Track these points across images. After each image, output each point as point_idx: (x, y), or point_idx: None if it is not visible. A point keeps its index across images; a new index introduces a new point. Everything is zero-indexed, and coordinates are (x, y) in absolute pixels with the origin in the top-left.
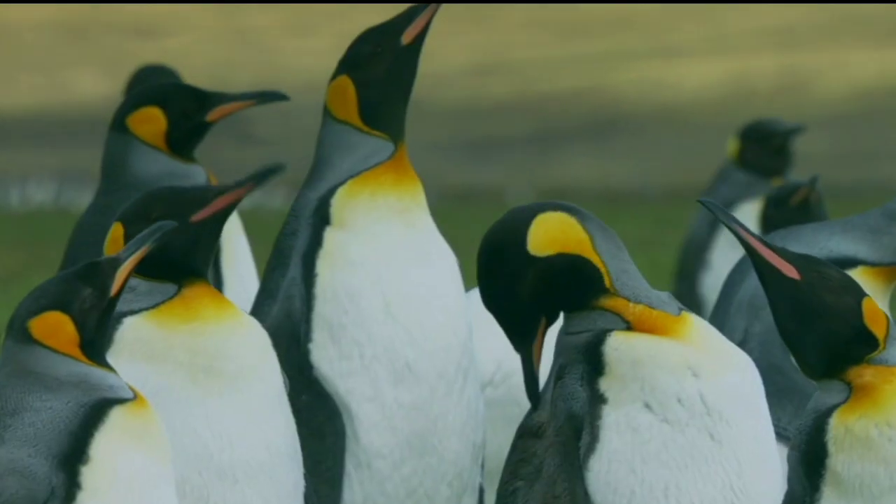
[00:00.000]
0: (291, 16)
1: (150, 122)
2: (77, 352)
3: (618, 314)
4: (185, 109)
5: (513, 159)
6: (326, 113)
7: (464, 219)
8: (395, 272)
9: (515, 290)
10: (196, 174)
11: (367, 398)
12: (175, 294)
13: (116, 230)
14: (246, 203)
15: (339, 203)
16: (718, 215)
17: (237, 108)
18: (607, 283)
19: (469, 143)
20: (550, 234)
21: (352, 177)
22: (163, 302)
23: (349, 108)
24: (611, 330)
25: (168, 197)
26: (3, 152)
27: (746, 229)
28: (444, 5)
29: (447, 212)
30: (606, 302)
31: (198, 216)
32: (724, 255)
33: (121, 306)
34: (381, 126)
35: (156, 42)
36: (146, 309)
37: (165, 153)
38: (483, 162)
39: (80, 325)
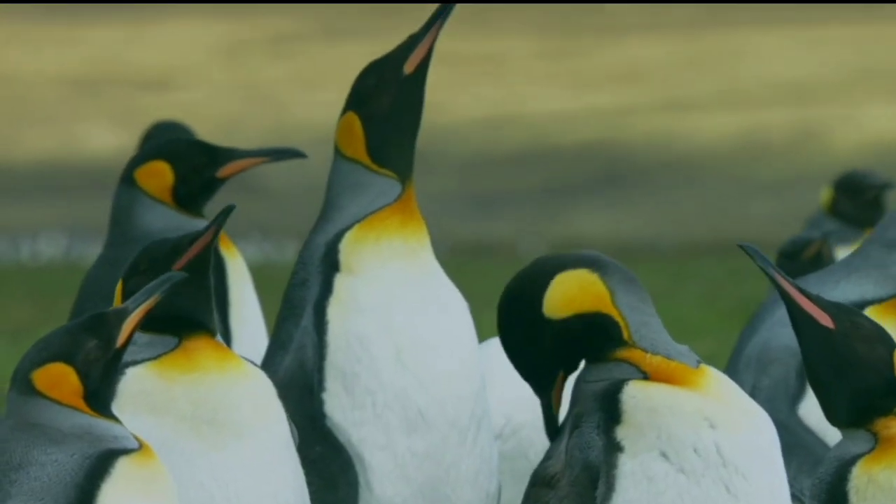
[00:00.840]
0: (302, 69)
1: (158, 176)
2: (81, 403)
3: (635, 365)
4: (195, 165)
5: (525, 212)
6: (336, 151)
7: (476, 272)
8: (405, 318)
9: (532, 348)
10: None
11: (379, 447)
12: (176, 346)
13: (120, 285)
14: (257, 257)
15: (347, 249)
16: (755, 259)
17: (250, 164)
18: (626, 335)
19: (481, 195)
20: (568, 295)
21: (358, 221)
22: (164, 353)
23: (356, 144)
24: (628, 379)
25: (152, 249)
26: (14, 206)
27: (783, 275)
28: (457, 54)
29: (459, 265)
30: (624, 353)
31: (177, 265)
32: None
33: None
34: (389, 163)
35: (166, 95)
36: (148, 360)
37: (171, 207)
38: (495, 215)
39: (83, 377)
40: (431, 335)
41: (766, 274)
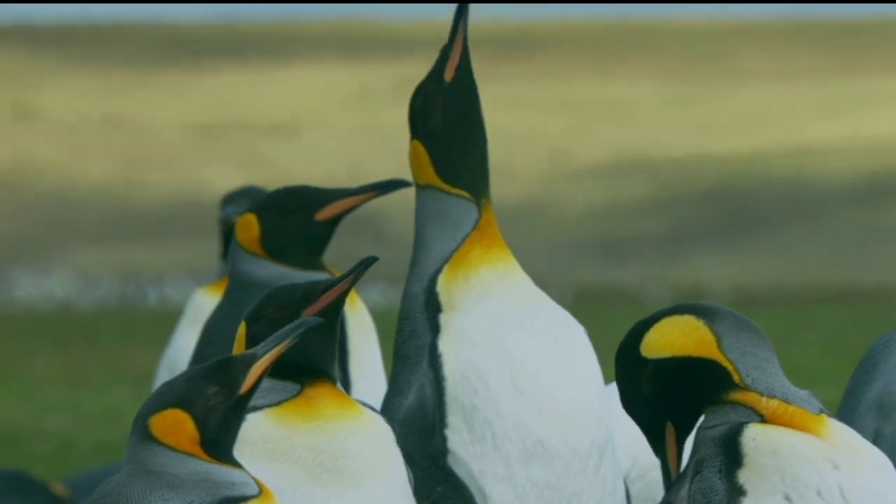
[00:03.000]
0: None
1: (247, 229)
2: (198, 450)
3: (751, 408)
4: (281, 211)
5: (649, 258)
6: (415, 185)
7: (600, 318)
8: (517, 346)
9: (634, 390)
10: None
11: (499, 479)
12: (298, 393)
13: (242, 330)
14: (381, 303)
15: (443, 290)
16: None
17: (354, 203)
18: (736, 379)
19: (605, 241)
20: (666, 337)
21: (446, 261)
22: (286, 400)
23: (426, 169)
24: (747, 422)
25: (280, 294)
26: (141, 250)
27: None
28: (582, 99)
29: (583, 311)
30: (738, 396)
31: (308, 311)
32: None
33: None
34: (460, 181)
35: (291, 140)
36: (269, 406)
37: (265, 258)
38: (619, 261)
39: (200, 423)
40: (545, 361)
41: None
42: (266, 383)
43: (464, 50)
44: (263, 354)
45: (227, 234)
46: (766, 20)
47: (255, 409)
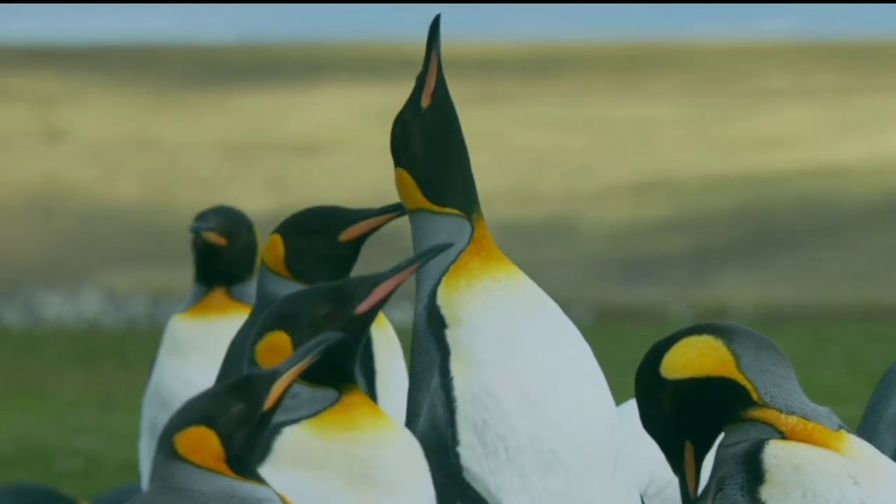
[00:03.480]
0: None
1: (273, 249)
2: (223, 466)
3: (770, 424)
4: (305, 232)
5: (673, 277)
6: (407, 212)
7: (623, 337)
8: (524, 359)
9: (654, 410)
10: None
11: (516, 491)
12: (336, 401)
13: (278, 338)
14: (409, 322)
15: (445, 303)
16: None
17: (376, 224)
18: (755, 396)
19: (628, 260)
20: (685, 357)
21: (443, 274)
22: (323, 410)
23: (414, 194)
24: (767, 439)
25: (330, 295)
26: (171, 271)
27: None
28: (605, 118)
29: (606, 330)
30: (757, 413)
31: (362, 308)
32: None
33: (281, 414)
34: (448, 200)
35: (318, 160)
36: (306, 418)
37: (290, 279)
38: (642, 280)
39: (225, 440)
40: (554, 372)
41: None
42: (307, 392)
43: (438, 74)
44: (286, 371)
45: (199, 252)
46: (787, 39)
47: (292, 422)
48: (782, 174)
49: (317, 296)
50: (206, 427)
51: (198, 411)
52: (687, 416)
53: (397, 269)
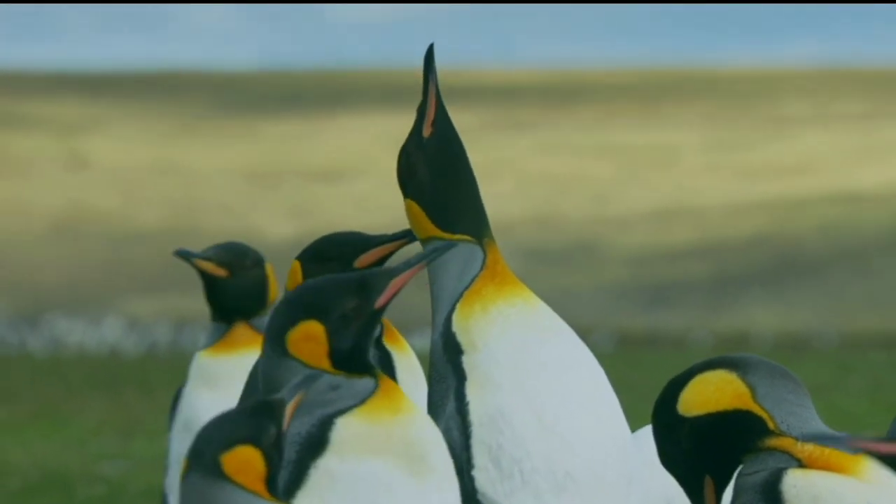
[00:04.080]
0: (474, 160)
1: (293, 276)
2: (263, 488)
3: (787, 452)
4: (322, 259)
5: (694, 304)
6: (419, 241)
7: (644, 363)
8: (538, 383)
9: (673, 447)
10: None
11: None
12: (375, 388)
13: (314, 327)
14: (428, 347)
15: (461, 329)
16: None
17: (391, 249)
18: (772, 426)
19: (650, 287)
20: (702, 394)
21: (457, 300)
22: (368, 398)
23: (424, 223)
24: (786, 468)
25: (355, 288)
26: (192, 298)
27: None
28: (627, 146)
29: (628, 356)
30: (774, 442)
31: (380, 302)
32: None
33: (325, 407)
34: (458, 227)
35: (339, 187)
36: (355, 406)
37: None
38: (664, 306)
39: (268, 461)
40: (567, 395)
41: None
42: (346, 383)
43: (437, 103)
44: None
45: (204, 285)
46: (809, 67)
47: (342, 412)
48: (804, 201)
49: (344, 289)
50: (253, 447)
51: (243, 431)
52: (706, 451)
53: (409, 264)
